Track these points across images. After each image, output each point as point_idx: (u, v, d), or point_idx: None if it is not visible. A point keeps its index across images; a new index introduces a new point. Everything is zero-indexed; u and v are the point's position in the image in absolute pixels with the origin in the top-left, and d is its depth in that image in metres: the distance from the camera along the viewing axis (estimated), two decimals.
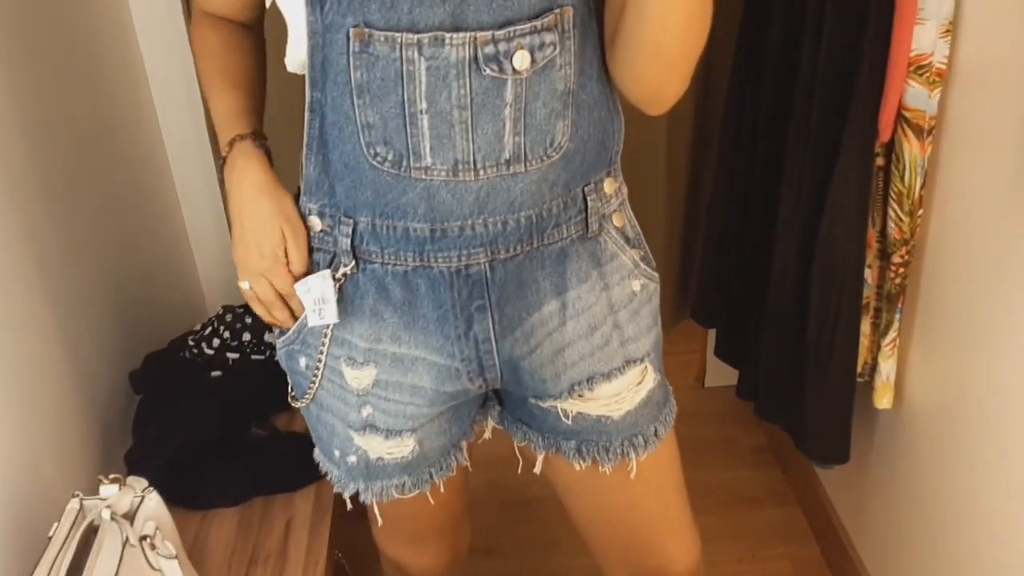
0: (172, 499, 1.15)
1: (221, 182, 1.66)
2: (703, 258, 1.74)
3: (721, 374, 1.99)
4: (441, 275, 0.84)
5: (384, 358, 0.89)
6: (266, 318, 0.91)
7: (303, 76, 0.81)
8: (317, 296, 0.86)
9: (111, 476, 1.03)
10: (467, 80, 0.74)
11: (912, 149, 1.18)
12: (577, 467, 0.97)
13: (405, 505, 1.02)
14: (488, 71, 0.74)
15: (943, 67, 1.13)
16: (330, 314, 0.87)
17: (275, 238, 0.85)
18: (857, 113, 1.20)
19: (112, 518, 0.98)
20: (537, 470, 1.02)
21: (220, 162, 0.88)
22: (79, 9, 1.41)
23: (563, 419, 0.94)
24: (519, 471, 1.04)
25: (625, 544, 1.05)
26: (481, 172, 0.78)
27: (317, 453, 1.03)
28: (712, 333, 1.94)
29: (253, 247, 0.86)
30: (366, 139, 0.78)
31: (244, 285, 0.89)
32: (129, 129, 1.56)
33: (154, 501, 1.04)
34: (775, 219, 1.41)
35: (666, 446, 0.99)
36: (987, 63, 1.08)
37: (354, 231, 0.84)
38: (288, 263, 0.86)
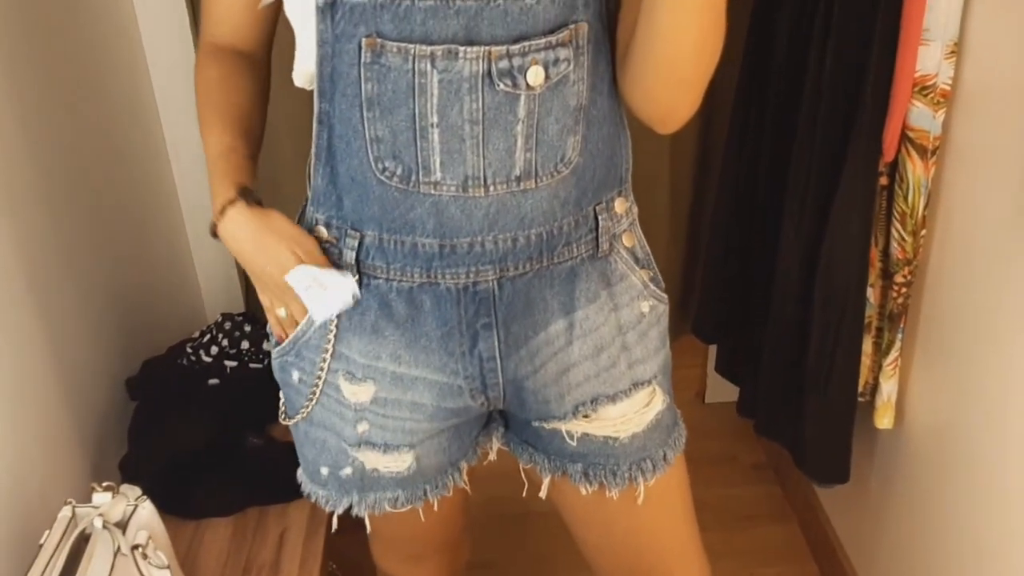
0: (166, 507, 1.14)
1: None
2: (705, 274, 1.73)
3: (722, 390, 1.99)
4: (448, 292, 0.83)
5: (383, 376, 0.87)
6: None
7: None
8: (308, 282, 0.83)
9: (104, 484, 1.02)
10: (480, 94, 0.74)
11: (916, 169, 1.17)
12: (583, 491, 0.95)
13: (404, 525, 1.01)
14: (501, 86, 0.74)
15: (947, 88, 1.13)
16: (315, 301, 0.84)
17: (291, 262, 0.83)
18: (861, 132, 1.20)
19: (104, 526, 0.98)
20: (543, 494, 1.00)
21: (211, 225, 0.86)
22: (83, 18, 1.41)
23: (568, 440, 0.92)
24: (524, 493, 1.02)
25: (631, 570, 1.03)
26: (491, 188, 0.78)
27: (300, 474, 1.00)
28: (713, 349, 1.94)
29: (279, 278, 0.84)
30: (374, 153, 0.77)
31: (282, 313, 0.88)
32: (130, 134, 1.56)
33: (147, 510, 1.04)
34: (778, 237, 1.40)
35: (675, 471, 0.97)
36: (992, 84, 1.08)
37: (360, 244, 0.83)
38: None
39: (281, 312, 0.88)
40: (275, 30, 0.91)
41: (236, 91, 0.89)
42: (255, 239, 0.83)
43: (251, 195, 0.84)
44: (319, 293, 0.83)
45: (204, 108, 0.89)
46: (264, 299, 0.89)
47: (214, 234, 0.86)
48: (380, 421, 0.90)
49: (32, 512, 1.09)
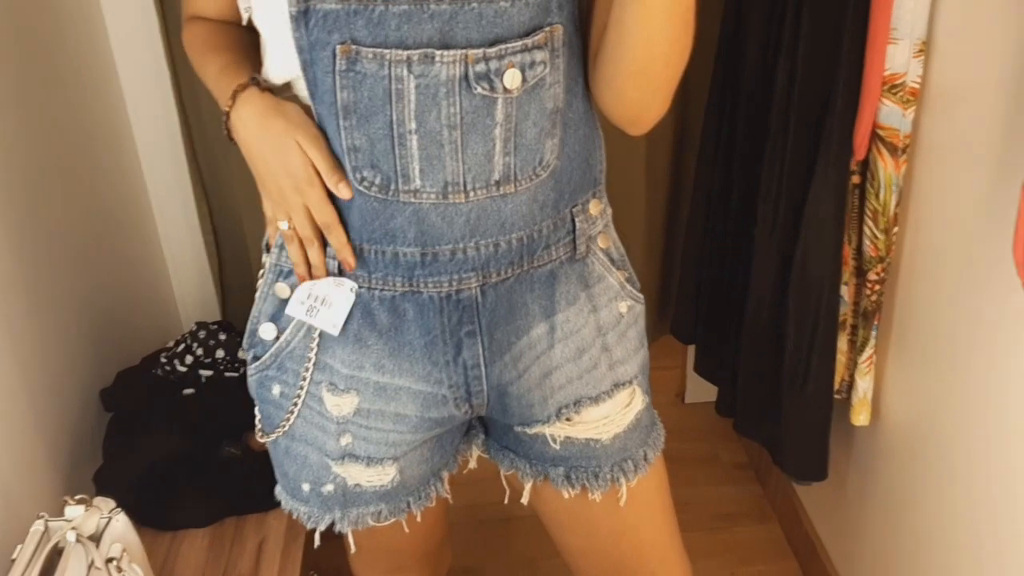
0: (141, 520, 1.13)
1: (197, 196, 1.66)
2: (682, 275, 1.74)
3: (701, 390, 1.99)
4: (431, 300, 0.82)
5: (367, 387, 0.86)
6: (300, 268, 0.83)
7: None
8: (318, 295, 0.82)
9: (77, 497, 1.01)
10: (457, 99, 0.73)
11: (887, 167, 1.18)
12: (566, 495, 0.95)
13: (385, 537, 1.00)
14: (479, 89, 0.73)
15: (916, 86, 1.14)
16: (324, 320, 0.82)
17: (297, 156, 0.77)
18: (832, 131, 1.21)
19: (77, 540, 0.96)
20: (524, 500, 1.00)
21: (224, 119, 0.81)
22: (51, 28, 1.40)
23: (551, 444, 0.92)
24: (506, 500, 1.02)
25: (614, 573, 1.03)
26: (471, 194, 0.77)
27: (279, 491, 0.98)
28: (692, 349, 1.94)
29: (283, 177, 0.79)
30: (352, 163, 0.76)
31: (283, 225, 0.82)
32: (102, 141, 1.55)
33: (121, 522, 1.02)
34: (752, 237, 1.41)
35: (656, 472, 0.98)
36: (960, 82, 1.09)
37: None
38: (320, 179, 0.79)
39: (283, 225, 0.82)
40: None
41: (226, 35, 0.88)
42: (263, 122, 0.78)
43: (262, 82, 0.81)
44: (325, 311, 0.83)
45: (197, 53, 0.87)
46: (267, 207, 0.84)
47: (228, 132, 0.81)
48: (363, 433, 0.89)
49: (4, 526, 1.07)
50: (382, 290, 0.82)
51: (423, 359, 0.85)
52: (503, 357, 0.87)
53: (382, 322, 0.84)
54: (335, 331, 0.84)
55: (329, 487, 0.93)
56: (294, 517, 0.98)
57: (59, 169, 1.38)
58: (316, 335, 0.85)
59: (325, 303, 0.83)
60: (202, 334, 1.45)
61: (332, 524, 0.96)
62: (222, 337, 1.45)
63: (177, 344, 1.46)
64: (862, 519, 1.47)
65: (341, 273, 0.83)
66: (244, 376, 1.48)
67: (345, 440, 0.89)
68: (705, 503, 1.86)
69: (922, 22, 1.11)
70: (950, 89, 1.11)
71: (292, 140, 0.77)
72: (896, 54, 1.12)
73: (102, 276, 1.49)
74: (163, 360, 1.44)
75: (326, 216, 0.80)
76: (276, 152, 0.78)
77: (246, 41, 0.89)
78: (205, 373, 1.42)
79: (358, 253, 0.81)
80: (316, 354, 0.86)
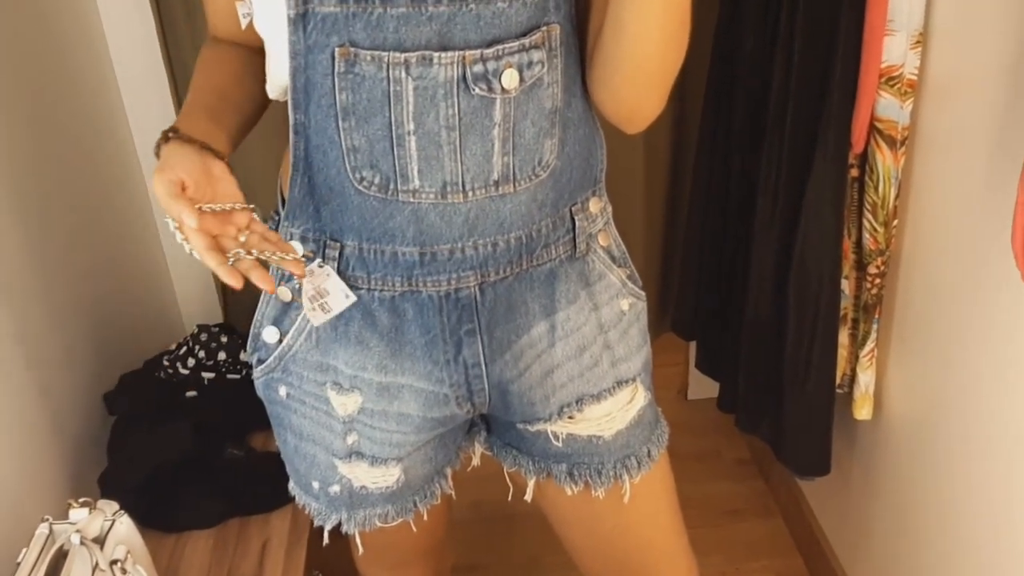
0: (146, 522, 1.13)
1: None
2: (682, 271, 1.74)
3: (704, 386, 1.99)
4: (430, 299, 0.83)
5: (369, 387, 0.87)
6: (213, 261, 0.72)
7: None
8: (311, 293, 0.82)
9: (81, 500, 1.01)
10: (455, 100, 0.74)
11: (885, 160, 1.18)
12: (569, 491, 0.95)
13: (388, 533, 1.00)
14: (477, 90, 0.74)
15: (914, 78, 1.14)
16: (337, 303, 0.82)
17: (191, 164, 0.73)
18: (830, 125, 1.21)
19: (82, 542, 0.97)
20: (528, 497, 1.00)
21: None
22: (49, 35, 1.40)
23: (553, 441, 0.93)
24: (509, 497, 1.02)
25: (619, 570, 1.03)
26: (470, 194, 0.78)
27: (292, 487, 1.00)
28: (694, 345, 1.94)
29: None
30: (351, 163, 0.76)
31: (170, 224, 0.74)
32: (103, 145, 1.55)
33: (125, 525, 1.03)
34: (752, 232, 1.41)
35: (660, 468, 0.98)
36: (958, 74, 1.09)
37: (340, 255, 0.82)
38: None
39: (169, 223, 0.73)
40: None
41: (219, 71, 0.87)
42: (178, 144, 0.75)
43: (172, 135, 0.77)
44: (322, 301, 0.83)
45: (193, 76, 0.87)
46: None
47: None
48: (368, 432, 0.89)
49: (9, 530, 1.07)
50: (381, 290, 0.83)
51: (424, 358, 0.85)
52: (504, 355, 0.87)
53: (383, 322, 0.84)
54: (347, 303, 0.82)
55: (335, 488, 0.93)
56: (306, 512, 0.99)
57: (61, 176, 1.38)
58: (315, 338, 0.86)
59: (326, 292, 0.83)
60: (204, 337, 1.46)
61: (339, 524, 0.97)
62: (224, 340, 1.46)
63: (179, 347, 1.46)
64: (866, 513, 1.47)
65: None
66: (246, 378, 1.48)
67: (351, 439, 0.90)
68: (708, 499, 1.86)
69: (919, 13, 1.11)
70: (948, 80, 1.11)
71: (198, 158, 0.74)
72: (893, 46, 1.12)
73: (104, 280, 1.50)
74: (165, 363, 1.44)
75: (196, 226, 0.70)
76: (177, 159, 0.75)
77: (241, 78, 0.87)
78: (207, 375, 1.42)
79: (358, 254, 0.81)
80: (319, 356, 0.86)
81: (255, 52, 0.90)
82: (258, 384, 0.93)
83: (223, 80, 0.87)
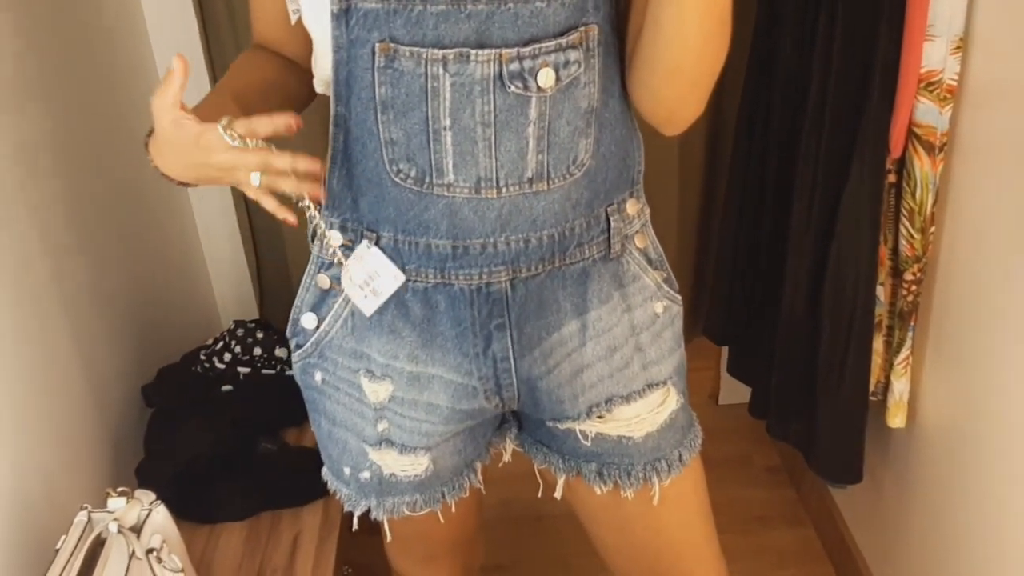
0: (181, 512, 1.16)
1: (236, 199, 1.69)
2: (715, 276, 1.73)
3: (735, 392, 1.98)
4: (461, 292, 0.83)
5: (400, 375, 0.88)
6: (291, 186, 0.74)
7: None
8: (363, 278, 0.83)
9: (119, 489, 1.04)
10: (491, 97, 0.75)
11: (923, 166, 1.17)
12: (598, 491, 0.95)
13: (418, 524, 1.01)
14: (513, 88, 0.74)
15: (954, 83, 1.12)
16: (386, 284, 0.83)
17: (171, 134, 0.76)
18: (868, 130, 1.20)
19: (119, 531, 0.99)
20: (558, 495, 1.00)
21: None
22: (99, 40, 1.43)
23: (582, 440, 0.93)
24: (539, 494, 1.02)
25: (649, 571, 1.03)
26: (504, 190, 0.78)
27: (325, 472, 1.02)
28: (726, 350, 1.93)
29: (187, 156, 0.76)
30: (389, 155, 0.78)
31: (255, 180, 0.73)
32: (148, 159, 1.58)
33: (161, 515, 1.05)
34: (787, 237, 1.40)
35: (692, 472, 0.97)
36: (998, 80, 1.08)
37: (376, 245, 0.83)
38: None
39: (254, 178, 0.73)
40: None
41: (250, 72, 0.87)
42: (153, 147, 0.78)
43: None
44: (373, 283, 0.83)
45: (224, 77, 0.88)
46: (250, 192, 0.75)
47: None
48: (398, 421, 0.91)
49: (49, 517, 1.10)
50: (415, 281, 0.84)
51: (454, 350, 0.86)
52: (533, 352, 0.87)
53: (415, 313, 0.85)
54: (397, 284, 0.83)
55: (366, 474, 0.95)
56: (337, 498, 1.01)
57: (103, 173, 1.42)
58: (350, 325, 0.87)
59: (376, 275, 0.84)
60: (240, 332, 1.48)
61: (367, 512, 0.98)
62: (259, 335, 1.48)
63: (216, 342, 1.49)
64: (899, 523, 1.45)
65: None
66: (281, 373, 1.50)
67: (382, 426, 0.91)
68: (737, 506, 1.84)
69: (960, 18, 1.09)
70: (989, 86, 1.10)
71: (162, 134, 0.77)
72: (933, 51, 1.11)
73: (145, 277, 1.53)
74: (203, 357, 1.46)
75: (246, 132, 0.73)
76: (167, 148, 0.77)
77: (272, 81, 0.88)
78: (243, 370, 1.45)
79: (393, 245, 0.82)
80: (353, 343, 0.88)
81: (290, 63, 0.91)
82: (295, 368, 0.95)
83: (251, 78, 0.88)
